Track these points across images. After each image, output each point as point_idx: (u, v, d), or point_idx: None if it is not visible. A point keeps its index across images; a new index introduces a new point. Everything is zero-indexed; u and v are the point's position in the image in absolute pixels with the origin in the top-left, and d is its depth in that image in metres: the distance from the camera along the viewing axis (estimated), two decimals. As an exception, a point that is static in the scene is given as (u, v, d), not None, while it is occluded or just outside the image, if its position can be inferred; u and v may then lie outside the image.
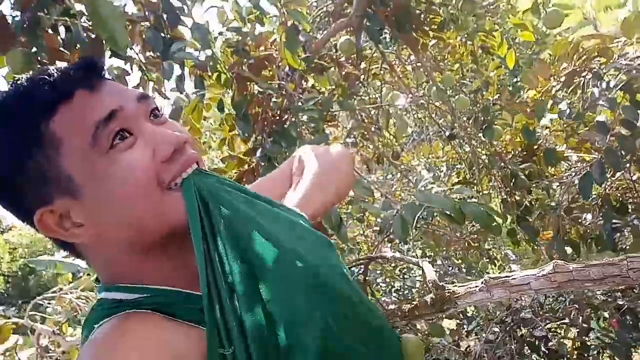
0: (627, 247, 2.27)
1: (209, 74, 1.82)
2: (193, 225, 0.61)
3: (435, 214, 1.53)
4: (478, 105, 2.86)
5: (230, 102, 1.92)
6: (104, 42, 1.46)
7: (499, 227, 1.28)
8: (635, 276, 0.76)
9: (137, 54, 1.70)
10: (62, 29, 1.58)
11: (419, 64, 2.97)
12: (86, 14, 1.36)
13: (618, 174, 2.30)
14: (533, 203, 2.62)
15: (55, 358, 2.96)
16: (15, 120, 0.61)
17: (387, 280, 3.21)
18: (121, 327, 0.59)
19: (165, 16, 1.63)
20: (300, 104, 1.91)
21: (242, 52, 1.85)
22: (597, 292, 2.46)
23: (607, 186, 2.32)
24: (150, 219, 0.62)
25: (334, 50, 2.68)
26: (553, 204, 2.51)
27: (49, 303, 3.22)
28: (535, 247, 2.70)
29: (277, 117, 1.96)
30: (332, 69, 2.58)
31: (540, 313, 2.50)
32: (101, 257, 0.67)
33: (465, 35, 2.68)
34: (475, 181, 2.93)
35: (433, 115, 3.31)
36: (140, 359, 0.54)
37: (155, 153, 0.62)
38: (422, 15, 2.51)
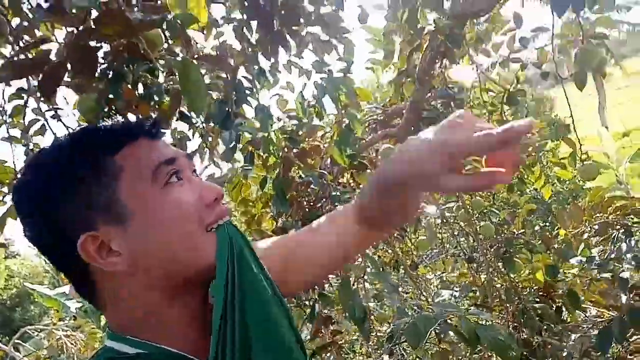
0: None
1: (260, 153, 1.93)
2: (220, 266, 0.67)
3: (449, 331, 1.52)
4: (502, 235, 2.90)
5: (271, 182, 2.00)
6: (176, 102, 1.59)
7: (516, 358, 1.27)
8: None
9: (201, 122, 1.82)
10: (140, 85, 1.73)
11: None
12: (171, 74, 1.50)
13: (633, 337, 2.25)
14: (541, 346, 2.55)
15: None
16: (82, 150, 0.67)
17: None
18: None
19: (234, 93, 1.77)
20: (337, 194, 1.98)
21: (294, 140, 1.97)
22: None
23: (623, 348, 2.27)
24: (185, 252, 0.67)
25: (375, 154, 2.80)
26: (564, 353, 2.45)
27: (37, 335, 3.16)
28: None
29: (312, 203, 2.02)
30: (370, 170, 2.69)
31: None
32: (122, 295, 0.68)
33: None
34: (487, 308, 2.88)
35: (455, 235, 3.34)
36: None
37: (200, 197, 0.70)
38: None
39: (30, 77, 1.69)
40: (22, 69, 1.32)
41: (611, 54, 2.35)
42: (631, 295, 2.02)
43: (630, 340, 2.34)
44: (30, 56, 1.31)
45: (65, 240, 0.65)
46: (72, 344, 3.01)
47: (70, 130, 0.75)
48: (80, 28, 1.42)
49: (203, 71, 1.66)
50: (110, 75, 1.55)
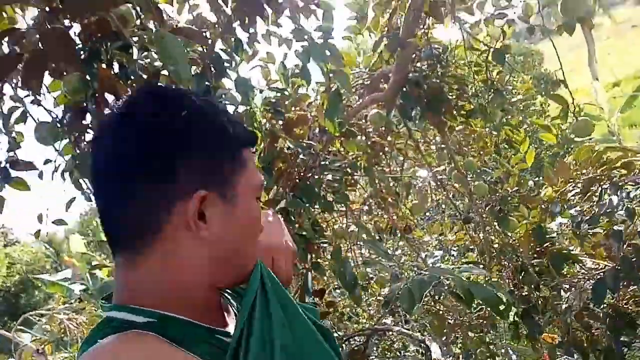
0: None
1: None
2: (254, 279, 0.74)
3: (443, 293, 1.52)
4: (497, 194, 2.90)
5: (257, 156, 1.98)
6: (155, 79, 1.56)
7: (507, 311, 1.27)
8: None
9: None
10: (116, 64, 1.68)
11: (443, 146, 3.04)
12: (144, 49, 1.46)
13: (630, 287, 2.28)
14: (540, 301, 2.58)
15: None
16: (222, 128, 0.72)
17: (385, 354, 3.12)
18: (124, 342, 0.62)
19: (212, 66, 1.72)
20: (326, 163, 1.96)
21: (279, 111, 1.94)
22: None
23: (618, 298, 2.29)
24: (244, 258, 0.75)
25: (364, 121, 2.77)
26: (563, 306, 2.48)
27: (39, 320, 3.19)
28: (537, 346, 2.63)
29: (302, 174, 2.01)
30: (360, 137, 2.66)
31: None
32: (176, 263, 0.68)
33: (492, 127, 2.76)
34: (485, 267, 2.91)
35: (450, 197, 3.35)
36: None
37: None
38: (453, 101, 2.61)
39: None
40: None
41: (599, 2, 2.30)
42: (624, 246, 2.03)
43: (626, 289, 2.37)
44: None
45: (178, 184, 0.66)
46: (74, 326, 3.04)
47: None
48: (47, 9, 1.37)
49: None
50: (83, 56, 1.51)
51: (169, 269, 0.68)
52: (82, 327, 2.99)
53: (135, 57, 1.54)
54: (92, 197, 0.75)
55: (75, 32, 1.58)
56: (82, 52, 1.56)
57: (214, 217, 0.68)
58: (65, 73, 1.58)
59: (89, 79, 1.55)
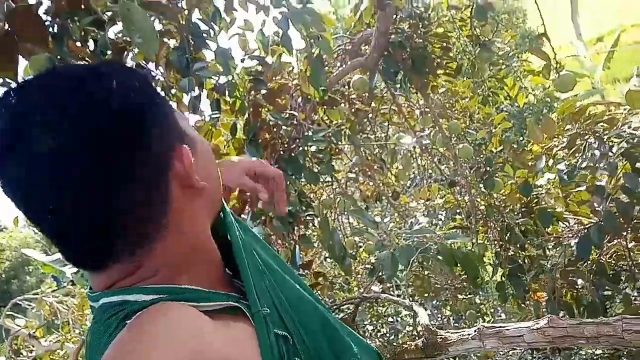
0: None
1: (226, 98, 1.86)
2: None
3: (429, 258, 1.53)
4: (481, 156, 2.91)
5: (242, 127, 1.95)
6: (130, 54, 1.51)
7: (480, 283, 1.29)
8: (630, 338, 0.77)
9: (161, 74, 1.74)
10: (91, 41, 1.62)
11: (427, 109, 3.03)
12: (116, 23, 1.40)
13: (613, 241, 2.31)
14: (526, 260, 2.62)
15: (26, 363, 2.90)
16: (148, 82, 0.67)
17: (375, 322, 3.17)
18: (163, 313, 0.59)
19: (190, 38, 1.67)
20: (310, 134, 1.94)
21: (260, 81, 1.90)
22: (585, 357, 2.44)
23: (602, 253, 2.34)
24: (219, 181, 0.76)
25: (347, 87, 2.73)
26: (548, 264, 2.52)
27: (28, 304, 3.18)
28: (523, 305, 2.69)
29: (286, 145, 1.98)
30: (343, 104, 2.63)
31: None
32: (186, 217, 0.66)
33: (479, 81, 2.75)
34: (471, 230, 2.94)
35: (436, 161, 3.35)
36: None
37: None
38: (438, 61, 2.58)
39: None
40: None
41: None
42: (607, 202, 2.05)
43: (610, 244, 2.41)
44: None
45: (157, 156, 0.62)
46: (64, 308, 3.03)
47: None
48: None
49: (154, 19, 1.56)
50: (53, 33, 1.45)
51: (181, 229, 0.66)
52: (72, 309, 2.98)
53: (111, 35, 1.49)
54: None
55: (45, 9, 1.52)
56: (51, 30, 1.50)
57: (194, 164, 0.66)
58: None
59: (60, 58, 1.50)
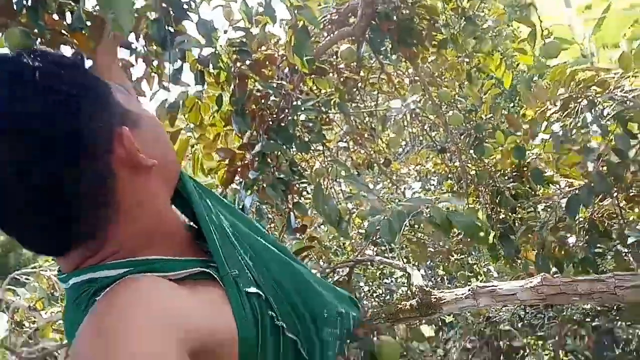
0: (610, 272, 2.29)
1: (210, 70, 1.83)
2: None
3: (422, 222, 1.54)
4: (471, 122, 2.91)
5: (229, 99, 1.92)
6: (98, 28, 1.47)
7: (485, 237, 1.30)
8: (622, 293, 0.78)
9: (142, 47, 1.70)
10: (68, 14, 1.58)
11: (416, 77, 3.01)
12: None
13: (605, 201, 2.34)
14: (517, 222, 2.65)
15: (28, 335, 2.93)
16: (72, 67, 0.65)
17: (370, 283, 3.22)
18: (132, 288, 0.60)
19: (171, 10, 1.63)
20: (298, 103, 1.92)
21: (245, 52, 1.86)
22: (576, 312, 2.49)
23: (593, 211, 2.36)
24: (172, 152, 0.78)
25: (335, 57, 2.70)
26: (538, 224, 2.55)
27: (27, 279, 3.19)
28: (513, 265, 2.73)
29: (275, 116, 1.96)
30: (331, 74, 2.60)
31: (519, 327, 2.52)
32: (141, 198, 0.67)
33: (464, 55, 2.73)
34: (462, 194, 2.96)
35: (426, 128, 3.35)
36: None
37: None
38: (425, 32, 2.55)
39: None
40: None
41: None
42: (598, 163, 2.06)
43: (602, 203, 2.43)
44: None
45: (93, 154, 0.61)
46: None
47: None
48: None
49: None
50: (28, 4, 1.40)
51: (139, 210, 0.67)
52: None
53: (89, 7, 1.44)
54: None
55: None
56: (25, 2, 1.46)
57: (139, 144, 0.66)
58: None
59: (37, 31, 1.46)
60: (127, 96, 0.71)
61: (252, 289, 0.70)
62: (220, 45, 1.81)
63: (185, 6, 1.69)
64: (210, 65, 1.80)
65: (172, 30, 1.65)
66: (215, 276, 0.69)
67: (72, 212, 0.61)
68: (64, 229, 0.62)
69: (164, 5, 1.62)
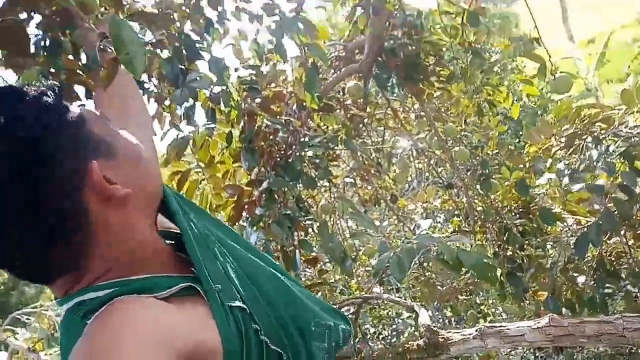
0: (620, 313, 2.26)
1: (222, 108, 1.86)
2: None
3: (431, 260, 1.54)
4: (477, 158, 2.92)
5: (238, 136, 1.95)
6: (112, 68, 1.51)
7: (496, 277, 1.29)
8: (630, 335, 0.77)
9: (154, 86, 1.74)
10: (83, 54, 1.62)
11: (422, 113, 3.04)
12: (107, 37, 1.41)
13: (613, 239, 2.32)
14: (525, 260, 2.63)
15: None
16: (39, 105, 0.66)
17: (376, 324, 3.17)
18: (119, 309, 0.62)
19: (183, 49, 1.68)
20: (306, 139, 1.94)
21: (255, 89, 1.90)
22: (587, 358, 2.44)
23: (602, 250, 2.34)
24: (153, 178, 0.78)
25: (342, 93, 2.74)
26: (547, 264, 2.52)
27: (27, 319, 3.16)
28: (522, 304, 2.69)
29: (282, 152, 1.99)
30: (338, 110, 2.64)
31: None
32: (118, 228, 0.69)
33: (472, 88, 2.76)
34: (470, 231, 2.94)
35: (432, 164, 3.36)
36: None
37: None
38: (430, 68, 2.59)
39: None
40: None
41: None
42: (606, 201, 2.05)
43: (610, 242, 2.41)
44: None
45: (64, 192, 0.64)
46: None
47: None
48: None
49: (146, 31, 1.56)
50: (46, 47, 1.45)
51: (116, 238, 0.69)
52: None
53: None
54: None
55: (36, 24, 1.52)
56: (42, 44, 1.51)
57: (114, 174, 0.68)
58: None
59: (54, 71, 1.50)
60: (103, 125, 0.73)
61: (236, 303, 0.72)
62: (231, 83, 1.84)
63: (197, 45, 1.74)
64: (222, 104, 1.83)
65: (184, 68, 1.69)
66: (200, 291, 0.71)
67: (45, 243, 0.64)
68: (42, 258, 0.66)
69: (176, 44, 1.66)
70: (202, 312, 0.69)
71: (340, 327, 0.86)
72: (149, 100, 1.76)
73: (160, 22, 1.36)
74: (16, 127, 0.62)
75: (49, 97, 0.68)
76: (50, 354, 2.99)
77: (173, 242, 0.82)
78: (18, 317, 3.22)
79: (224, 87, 1.82)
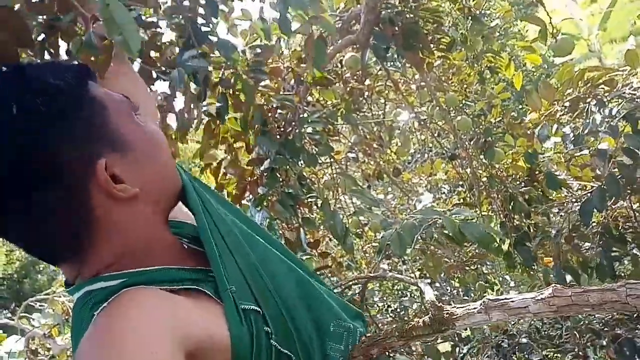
0: (627, 277, 2.26)
1: (230, 92, 1.81)
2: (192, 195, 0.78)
3: (434, 234, 1.53)
4: (480, 127, 2.88)
5: (249, 116, 1.90)
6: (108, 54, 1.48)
7: (500, 248, 1.28)
8: (634, 302, 0.75)
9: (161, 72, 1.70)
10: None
11: (423, 84, 2.99)
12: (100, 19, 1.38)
13: (619, 203, 2.30)
14: (531, 228, 2.61)
15: (44, 362, 2.94)
16: (55, 89, 0.65)
17: (384, 298, 3.19)
18: (128, 299, 0.62)
19: (192, 35, 1.63)
20: (305, 115, 1.92)
21: (261, 71, 1.85)
22: (594, 321, 2.45)
23: (607, 215, 2.32)
24: (169, 176, 0.76)
25: (340, 66, 2.70)
26: (553, 230, 2.51)
27: (41, 305, 3.21)
28: (531, 273, 2.69)
29: (282, 129, 1.96)
30: (337, 84, 2.60)
31: (537, 339, 2.47)
32: (125, 225, 0.68)
33: (473, 56, 2.70)
34: (475, 203, 2.93)
35: (435, 135, 3.32)
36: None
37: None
38: (430, 36, 2.53)
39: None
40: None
41: None
42: (609, 165, 2.03)
43: (614, 207, 2.39)
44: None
45: (69, 180, 0.64)
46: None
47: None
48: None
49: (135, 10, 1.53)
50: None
51: (123, 235, 0.68)
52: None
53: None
54: None
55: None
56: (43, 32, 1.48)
57: (125, 171, 0.67)
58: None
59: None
60: (125, 114, 0.71)
61: (249, 305, 0.72)
62: (240, 64, 1.79)
63: (203, 29, 1.69)
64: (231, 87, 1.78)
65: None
66: (210, 292, 0.71)
67: (49, 228, 0.65)
68: (43, 237, 0.66)
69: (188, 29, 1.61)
70: (213, 308, 0.69)
71: (359, 330, 0.86)
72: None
73: (150, 1, 1.32)
74: (26, 118, 0.61)
75: (67, 79, 0.66)
76: (67, 339, 3.05)
77: (190, 235, 0.82)
78: (32, 304, 3.27)
79: (233, 70, 1.77)
